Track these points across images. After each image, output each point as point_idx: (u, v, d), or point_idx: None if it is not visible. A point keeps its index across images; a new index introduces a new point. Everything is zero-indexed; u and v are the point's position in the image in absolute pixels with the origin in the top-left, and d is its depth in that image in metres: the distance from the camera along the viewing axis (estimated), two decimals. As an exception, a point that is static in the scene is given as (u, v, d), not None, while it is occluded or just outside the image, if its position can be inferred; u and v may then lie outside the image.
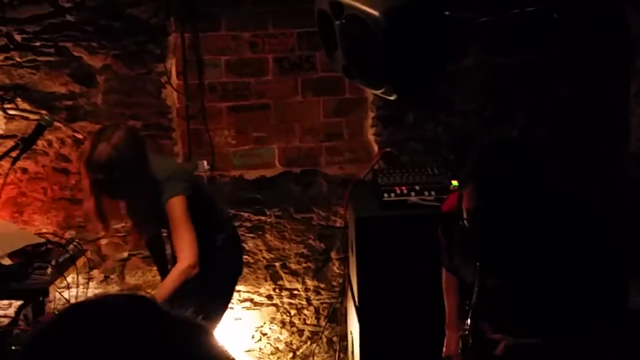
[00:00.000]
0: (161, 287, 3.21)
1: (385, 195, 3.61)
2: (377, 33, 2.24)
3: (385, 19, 2.21)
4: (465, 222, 2.41)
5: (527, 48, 3.88)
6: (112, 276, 4.24)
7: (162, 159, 3.33)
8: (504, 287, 2.52)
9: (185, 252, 3.10)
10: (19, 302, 3.82)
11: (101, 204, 3.14)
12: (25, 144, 3.13)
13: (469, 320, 2.54)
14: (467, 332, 2.55)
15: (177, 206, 3.11)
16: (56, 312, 0.94)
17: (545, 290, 2.49)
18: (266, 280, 4.29)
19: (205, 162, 4.10)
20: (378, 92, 2.52)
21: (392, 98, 2.50)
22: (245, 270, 4.23)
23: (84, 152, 3.06)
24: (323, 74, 4.06)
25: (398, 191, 3.63)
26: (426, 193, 3.60)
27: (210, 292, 3.39)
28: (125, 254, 4.24)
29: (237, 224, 4.19)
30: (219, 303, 3.52)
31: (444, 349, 2.96)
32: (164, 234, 3.62)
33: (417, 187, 3.64)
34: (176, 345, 0.86)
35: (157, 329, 0.87)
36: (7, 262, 3.36)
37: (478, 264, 2.49)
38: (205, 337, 0.90)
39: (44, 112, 3.87)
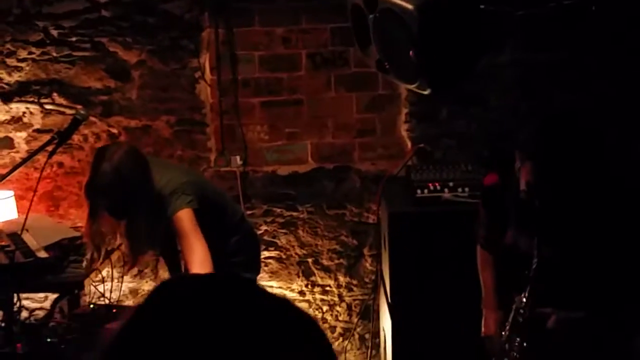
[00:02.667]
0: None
1: (419, 191, 3.58)
2: (411, 27, 2.22)
3: (419, 13, 2.19)
4: (523, 194, 2.43)
5: (564, 43, 3.82)
6: (145, 271, 4.27)
7: (167, 170, 3.17)
8: (559, 258, 2.53)
9: (198, 266, 2.95)
10: (55, 295, 3.88)
11: (99, 227, 3.06)
12: (61, 138, 3.15)
13: (525, 293, 2.54)
14: (523, 304, 2.55)
15: (184, 219, 2.99)
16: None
17: (598, 264, 2.50)
18: (298, 276, 4.29)
19: (238, 158, 4.11)
20: (412, 87, 2.50)
21: (426, 93, 2.48)
22: (277, 265, 4.24)
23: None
24: (356, 70, 4.04)
25: (431, 187, 3.60)
26: (460, 189, 3.57)
27: None
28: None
29: (269, 219, 4.20)
30: None
31: (483, 329, 2.90)
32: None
33: (450, 184, 3.61)
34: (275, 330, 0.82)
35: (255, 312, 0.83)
36: (43, 255, 3.40)
37: (536, 235, 2.49)
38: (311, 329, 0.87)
39: (79, 106, 3.91)
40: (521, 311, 2.58)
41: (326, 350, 0.86)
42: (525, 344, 2.60)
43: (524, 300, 2.56)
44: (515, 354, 2.63)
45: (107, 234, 3.15)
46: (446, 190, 3.58)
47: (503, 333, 2.71)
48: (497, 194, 2.71)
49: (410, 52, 2.33)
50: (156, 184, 3.04)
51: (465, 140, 4.07)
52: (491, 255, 2.90)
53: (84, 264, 3.53)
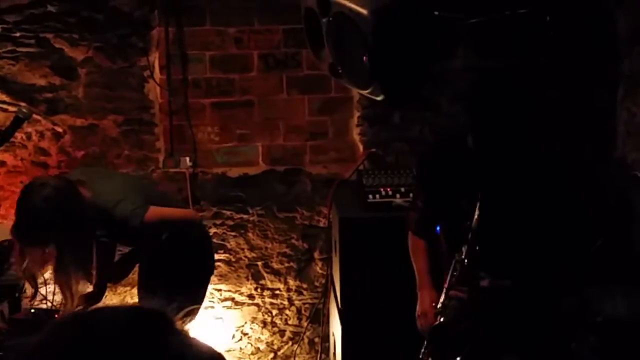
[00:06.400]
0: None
1: (370, 196, 3.57)
2: (365, 32, 2.19)
3: (373, 18, 2.17)
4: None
5: (517, 51, 3.84)
6: (90, 273, 4.16)
7: (108, 183, 3.24)
8: (497, 219, 2.57)
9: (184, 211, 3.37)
10: (-6, 298, 3.75)
11: (30, 261, 3.10)
12: (2, 137, 3.05)
13: (462, 254, 2.57)
14: (464, 257, 2.56)
15: (153, 213, 3.14)
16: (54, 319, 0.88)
17: (531, 228, 2.60)
18: (248, 280, 4.23)
19: (187, 159, 4.03)
20: (365, 92, 2.48)
21: (378, 98, 2.46)
22: (226, 269, 4.18)
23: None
24: (309, 72, 4.01)
25: (383, 192, 3.59)
26: (411, 195, 3.55)
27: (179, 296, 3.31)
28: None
29: (219, 222, 4.14)
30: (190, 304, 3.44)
31: (418, 307, 2.90)
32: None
33: (402, 189, 3.61)
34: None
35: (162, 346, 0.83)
36: (-18, 257, 3.29)
37: (479, 191, 2.54)
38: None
39: (23, 104, 3.78)
40: (455, 273, 2.61)
41: None
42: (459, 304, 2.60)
43: (465, 251, 2.58)
44: (449, 316, 2.60)
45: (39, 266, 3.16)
46: (398, 195, 3.57)
47: (440, 304, 2.66)
48: (434, 168, 2.83)
49: (364, 57, 2.30)
50: (97, 198, 3.08)
51: (418, 145, 4.06)
52: (423, 241, 2.94)
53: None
